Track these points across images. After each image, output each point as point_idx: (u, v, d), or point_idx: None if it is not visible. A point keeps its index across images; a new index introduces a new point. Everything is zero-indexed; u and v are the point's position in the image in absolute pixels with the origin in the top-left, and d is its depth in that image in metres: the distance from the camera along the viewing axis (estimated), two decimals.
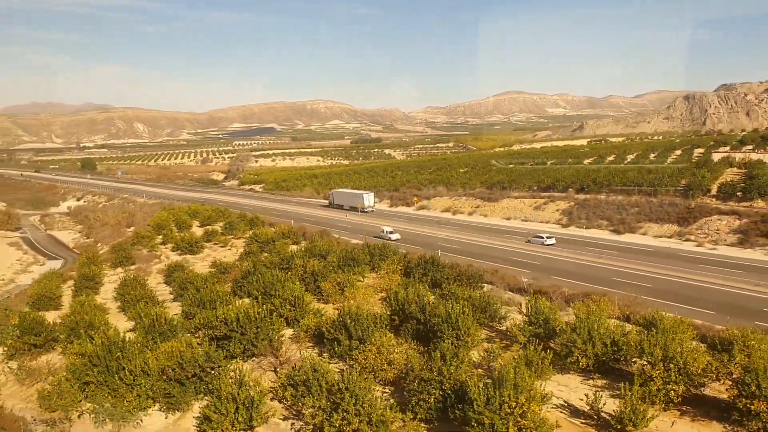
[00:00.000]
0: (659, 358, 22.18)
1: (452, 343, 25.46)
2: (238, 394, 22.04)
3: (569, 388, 24.21)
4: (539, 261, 52.67)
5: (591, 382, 24.56)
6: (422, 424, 21.30)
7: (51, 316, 40.17)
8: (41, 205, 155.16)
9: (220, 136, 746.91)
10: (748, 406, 19.15)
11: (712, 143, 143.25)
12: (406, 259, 45.94)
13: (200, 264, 59.53)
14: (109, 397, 24.78)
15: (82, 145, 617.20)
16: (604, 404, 21.11)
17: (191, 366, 25.15)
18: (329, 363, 26.92)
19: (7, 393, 29.00)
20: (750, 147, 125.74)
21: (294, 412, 23.44)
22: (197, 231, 78.10)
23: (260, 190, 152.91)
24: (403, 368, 24.52)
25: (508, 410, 18.69)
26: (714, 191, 74.11)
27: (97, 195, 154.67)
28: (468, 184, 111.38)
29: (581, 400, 22.05)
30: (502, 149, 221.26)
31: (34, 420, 24.73)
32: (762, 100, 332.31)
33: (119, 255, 64.14)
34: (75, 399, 24.68)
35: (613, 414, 20.16)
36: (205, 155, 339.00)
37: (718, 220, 60.10)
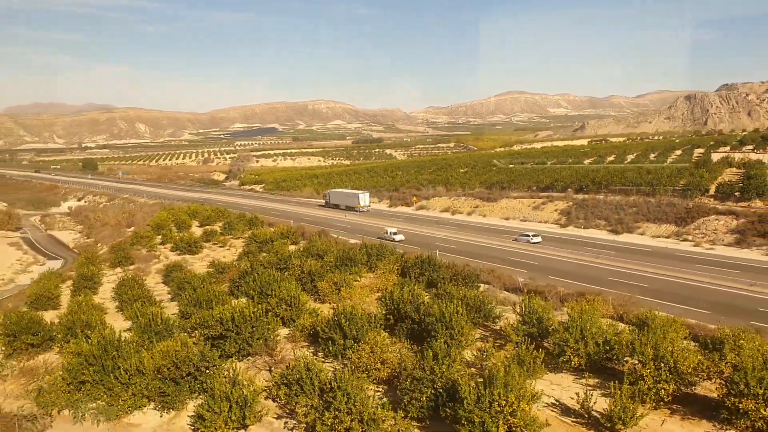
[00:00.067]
0: (650, 357, 22.29)
1: (445, 343, 25.60)
2: (232, 393, 22.20)
3: (561, 387, 24.32)
4: (536, 261, 52.78)
5: (583, 381, 24.64)
6: (414, 423, 21.44)
7: (49, 316, 40.45)
8: (42, 205, 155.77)
9: (222, 136, 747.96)
10: (736, 404, 19.23)
11: (712, 143, 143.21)
12: (403, 258, 46.08)
13: (199, 264, 59.73)
14: (105, 396, 24.99)
15: (83, 145, 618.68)
16: (594, 403, 21.21)
17: (186, 365, 25.32)
18: (324, 362, 27.07)
19: (5, 392, 29.20)
20: (750, 147, 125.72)
21: (288, 411, 23.58)
22: (196, 231, 78.34)
23: (261, 190, 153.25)
24: (397, 367, 24.66)
25: (498, 409, 18.81)
26: (712, 191, 74.20)
27: (98, 195, 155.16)
28: (467, 184, 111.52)
29: (572, 399, 22.14)
30: (502, 149, 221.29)
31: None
32: (763, 100, 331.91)
33: (118, 255, 64.38)
34: (65, 397, 24.87)
35: (604, 413, 20.28)
36: (206, 155, 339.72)
37: (716, 220, 60.17)
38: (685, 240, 59.09)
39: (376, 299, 37.26)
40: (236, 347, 29.05)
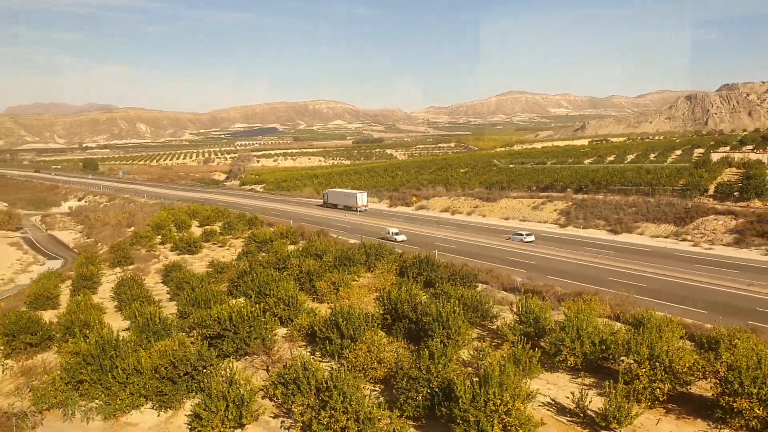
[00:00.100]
0: (645, 356, 22.34)
1: (442, 342, 25.65)
2: (228, 392, 22.28)
3: (557, 386, 24.39)
4: (535, 261, 52.83)
5: (579, 380, 24.72)
6: (410, 422, 21.51)
7: (48, 315, 40.55)
8: (42, 205, 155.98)
9: (223, 136, 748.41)
10: (731, 403, 19.30)
11: (712, 143, 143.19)
12: (402, 258, 46.16)
13: (198, 264, 59.82)
14: (102, 395, 25.09)
15: (84, 145, 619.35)
16: (590, 402, 21.28)
17: (183, 364, 25.41)
18: (321, 362, 27.15)
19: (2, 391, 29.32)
20: (750, 147, 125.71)
21: (284, 410, 23.66)
22: (196, 231, 78.44)
23: (261, 190, 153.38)
24: (394, 367, 24.73)
25: (493, 408, 18.88)
26: (712, 191, 74.23)
27: (99, 195, 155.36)
28: (467, 184, 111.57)
29: (568, 398, 22.21)
30: (503, 149, 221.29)
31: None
32: (764, 100, 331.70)
33: (118, 255, 64.48)
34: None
35: (599, 412, 20.35)
36: (206, 155, 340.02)
37: (715, 220, 60.18)
38: (684, 240, 59.10)
39: (374, 299, 37.35)
40: (234, 347, 29.13)
